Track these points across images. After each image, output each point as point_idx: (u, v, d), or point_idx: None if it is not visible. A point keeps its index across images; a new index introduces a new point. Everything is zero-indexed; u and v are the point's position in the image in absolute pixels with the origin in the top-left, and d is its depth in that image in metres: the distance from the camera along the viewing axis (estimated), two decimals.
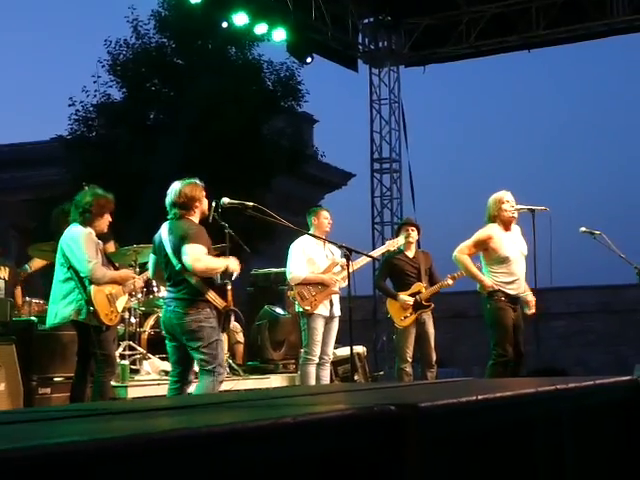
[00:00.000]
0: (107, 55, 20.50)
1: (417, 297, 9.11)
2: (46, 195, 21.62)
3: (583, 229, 8.79)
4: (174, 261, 6.26)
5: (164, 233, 6.37)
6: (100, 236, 6.95)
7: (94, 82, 20.67)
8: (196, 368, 6.50)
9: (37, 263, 9.26)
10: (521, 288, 7.92)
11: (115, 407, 3.07)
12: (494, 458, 2.58)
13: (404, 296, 9.11)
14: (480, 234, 7.87)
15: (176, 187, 6.36)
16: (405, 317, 9.11)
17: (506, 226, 7.87)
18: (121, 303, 6.99)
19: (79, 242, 6.64)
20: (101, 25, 73.24)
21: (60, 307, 6.71)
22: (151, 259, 6.66)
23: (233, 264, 6.38)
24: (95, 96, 20.75)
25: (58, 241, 6.90)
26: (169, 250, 6.28)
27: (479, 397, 2.49)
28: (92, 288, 6.64)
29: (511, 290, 7.79)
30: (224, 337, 6.97)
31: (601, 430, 3.27)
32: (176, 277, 6.28)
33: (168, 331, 6.40)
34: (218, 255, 6.55)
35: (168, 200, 6.38)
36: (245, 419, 1.89)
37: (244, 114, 19.41)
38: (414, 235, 9.28)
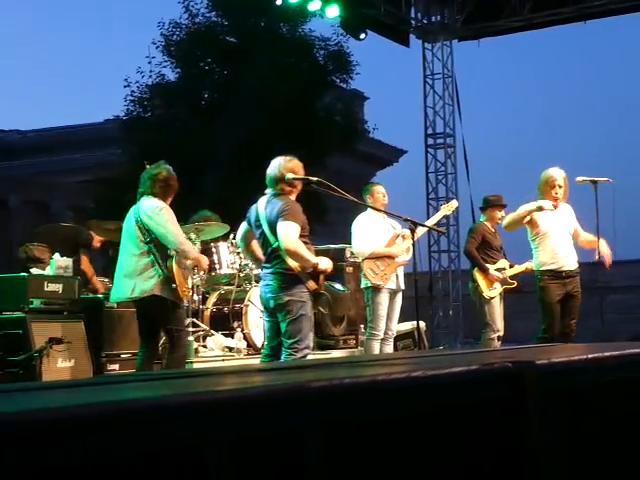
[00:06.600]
0: (161, 37, 20.69)
1: (503, 273, 9.02)
2: (102, 176, 21.90)
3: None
4: (271, 238, 6.20)
5: (261, 207, 6.31)
6: None
7: (148, 63, 20.87)
8: None
9: (95, 241, 9.14)
10: (566, 264, 7.91)
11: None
12: (604, 412, 2.68)
13: (494, 271, 8.98)
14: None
15: (281, 162, 6.28)
16: (494, 288, 9.00)
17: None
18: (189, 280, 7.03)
19: (163, 215, 6.59)
20: (154, 7, 73.85)
21: (139, 281, 6.61)
22: (241, 230, 6.62)
23: (325, 263, 6.26)
24: (150, 77, 20.96)
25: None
26: (265, 226, 6.24)
27: (589, 356, 2.63)
28: (173, 264, 6.59)
29: (553, 265, 7.88)
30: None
31: None
32: (272, 253, 6.23)
33: (265, 306, 6.42)
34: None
35: (271, 174, 6.28)
36: (383, 372, 2.05)
37: (296, 90, 19.43)
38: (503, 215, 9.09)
